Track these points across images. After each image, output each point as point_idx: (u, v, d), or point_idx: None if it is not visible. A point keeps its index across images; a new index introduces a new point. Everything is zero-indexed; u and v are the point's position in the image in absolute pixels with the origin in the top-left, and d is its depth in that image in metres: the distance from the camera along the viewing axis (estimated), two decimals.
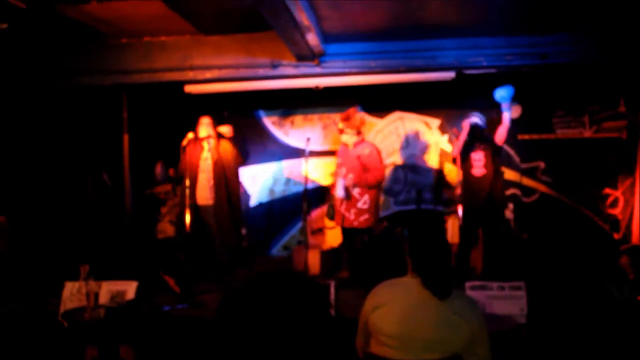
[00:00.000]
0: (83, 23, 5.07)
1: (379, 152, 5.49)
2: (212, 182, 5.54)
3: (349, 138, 5.48)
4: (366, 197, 5.38)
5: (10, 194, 5.26)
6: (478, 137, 5.49)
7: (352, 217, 5.40)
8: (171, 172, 6.54)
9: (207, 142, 5.57)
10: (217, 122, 5.75)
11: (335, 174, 5.82)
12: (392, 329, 2.24)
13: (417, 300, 2.28)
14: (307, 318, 1.29)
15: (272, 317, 1.26)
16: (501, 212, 5.65)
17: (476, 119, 5.60)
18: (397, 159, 6.76)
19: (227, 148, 5.70)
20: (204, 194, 5.53)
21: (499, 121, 5.50)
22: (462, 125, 5.60)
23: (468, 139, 5.50)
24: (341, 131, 5.51)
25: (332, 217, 5.64)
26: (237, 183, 5.83)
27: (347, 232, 5.59)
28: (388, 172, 6.70)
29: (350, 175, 5.38)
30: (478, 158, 5.49)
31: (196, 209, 5.47)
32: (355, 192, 5.39)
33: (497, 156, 5.54)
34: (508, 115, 5.47)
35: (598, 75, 5.88)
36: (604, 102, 6.26)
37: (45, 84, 5.80)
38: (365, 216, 5.39)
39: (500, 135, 5.49)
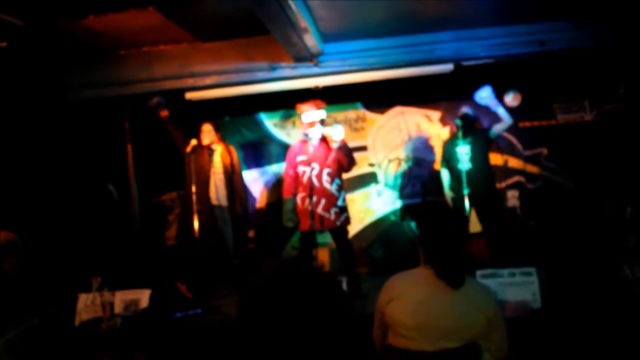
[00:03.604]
0: (82, 37, 5.09)
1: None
2: (223, 184, 5.57)
3: (315, 132, 5.13)
4: (343, 194, 5.17)
5: (17, 210, 5.28)
6: (468, 128, 5.49)
7: (333, 217, 5.05)
8: None
9: (213, 147, 5.59)
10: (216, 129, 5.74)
11: (301, 175, 5.17)
12: (408, 320, 2.27)
13: (431, 290, 2.30)
14: (328, 314, 1.30)
15: (294, 314, 1.27)
16: (492, 203, 5.68)
17: (466, 109, 5.62)
18: (400, 153, 6.78)
19: (232, 151, 5.76)
20: (217, 196, 5.55)
21: (497, 119, 5.54)
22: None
23: (459, 131, 5.49)
24: (311, 124, 5.12)
25: (295, 222, 5.20)
26: (243, 185, 5.87)
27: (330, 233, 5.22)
28: (393, 166, 6.72)
29: (329, 170, 5.07)
30: (464, 152, 5.50)
31: (211, 211, 5.50)
32: (334, 188, 5.08)
33: (486, 146, 5.56)
34: (503, 111, 5.47)
35: (597, 60, 5.88)
36: (604, 86, 6.26)
37: (47, 99, 5.82)
38: (346, 214, 5.15)
39: (498, 129, 5.56)
